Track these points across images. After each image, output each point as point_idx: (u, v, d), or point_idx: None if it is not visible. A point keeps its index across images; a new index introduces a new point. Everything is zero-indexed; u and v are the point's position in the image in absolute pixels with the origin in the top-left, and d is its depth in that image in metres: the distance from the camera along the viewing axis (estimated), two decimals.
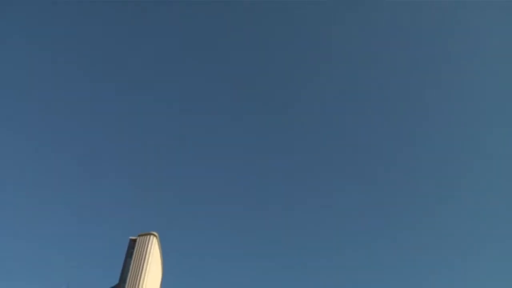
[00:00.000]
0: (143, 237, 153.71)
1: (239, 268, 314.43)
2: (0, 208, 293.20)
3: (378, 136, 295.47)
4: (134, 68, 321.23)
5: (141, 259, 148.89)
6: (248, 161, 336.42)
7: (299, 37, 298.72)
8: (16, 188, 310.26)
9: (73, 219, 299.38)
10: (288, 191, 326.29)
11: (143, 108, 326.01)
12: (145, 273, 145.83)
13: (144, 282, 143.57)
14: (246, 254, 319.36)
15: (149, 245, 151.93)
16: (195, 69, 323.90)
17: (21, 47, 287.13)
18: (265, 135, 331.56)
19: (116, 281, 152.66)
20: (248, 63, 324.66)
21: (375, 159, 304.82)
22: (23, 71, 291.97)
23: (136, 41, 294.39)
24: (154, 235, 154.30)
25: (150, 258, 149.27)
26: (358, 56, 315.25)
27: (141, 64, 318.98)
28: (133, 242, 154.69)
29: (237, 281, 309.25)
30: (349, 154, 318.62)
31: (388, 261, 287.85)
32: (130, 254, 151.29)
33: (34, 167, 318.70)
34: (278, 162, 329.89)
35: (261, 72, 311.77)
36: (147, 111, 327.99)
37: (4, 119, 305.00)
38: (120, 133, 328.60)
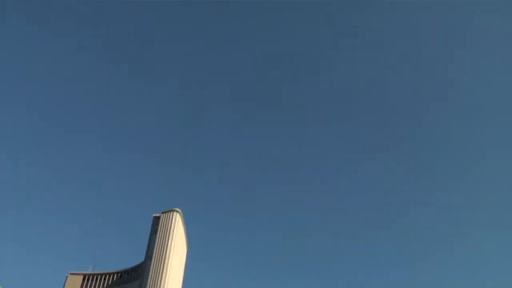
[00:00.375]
0: (167, 214, 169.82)
1: (261, 242, 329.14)
2: (33, 189, 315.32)
3: None
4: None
5: (166, 235, 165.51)
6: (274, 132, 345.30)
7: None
8: (43, 169, 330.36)
9: (98, 200, 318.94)
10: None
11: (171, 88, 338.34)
12: (170, 249, 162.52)
13: (170, 258, 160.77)
14: (267, 223, 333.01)
15: (173, 221, 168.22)
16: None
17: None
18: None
19: (142, 258, 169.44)
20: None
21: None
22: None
23: None
24: (177, 211, 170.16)
25: (174, 234, 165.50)
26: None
27: None
28: (157, 219, 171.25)
29: (259, 252, 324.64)
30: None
31: None
32: (155, 231, 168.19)
33: (60, 148, 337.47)
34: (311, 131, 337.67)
35: None
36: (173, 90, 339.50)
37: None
38: (142, 112, 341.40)
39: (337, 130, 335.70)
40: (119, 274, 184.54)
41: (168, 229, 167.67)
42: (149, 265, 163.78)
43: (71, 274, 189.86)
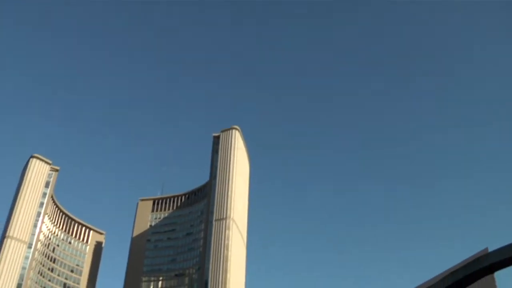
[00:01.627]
0: (226, 132, 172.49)
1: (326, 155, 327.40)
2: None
3: None
4: None
5: (227, 153, 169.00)
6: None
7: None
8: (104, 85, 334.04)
9: (155, 122, 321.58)
10: None
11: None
12: (233, 167, 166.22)
13: (234, 175, 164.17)
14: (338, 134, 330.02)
15: (233, 139, 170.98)
16: None
17: None
18: None
19: (206, 178, 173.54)
20: None
21: None
22: None
23: None
24: (236, 129, 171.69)
25: (235, 152, 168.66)
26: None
27: None
28: (217, 139, 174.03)
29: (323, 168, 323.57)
30: None
31: None
32: (216, 150, 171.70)
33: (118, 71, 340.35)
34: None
35: None
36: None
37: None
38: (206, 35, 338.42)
39: None
40: (187, 196, 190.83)
41: (229, 147, 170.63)
42: (214, 184, 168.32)
43: (141, 200, 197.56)
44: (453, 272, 41.98)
